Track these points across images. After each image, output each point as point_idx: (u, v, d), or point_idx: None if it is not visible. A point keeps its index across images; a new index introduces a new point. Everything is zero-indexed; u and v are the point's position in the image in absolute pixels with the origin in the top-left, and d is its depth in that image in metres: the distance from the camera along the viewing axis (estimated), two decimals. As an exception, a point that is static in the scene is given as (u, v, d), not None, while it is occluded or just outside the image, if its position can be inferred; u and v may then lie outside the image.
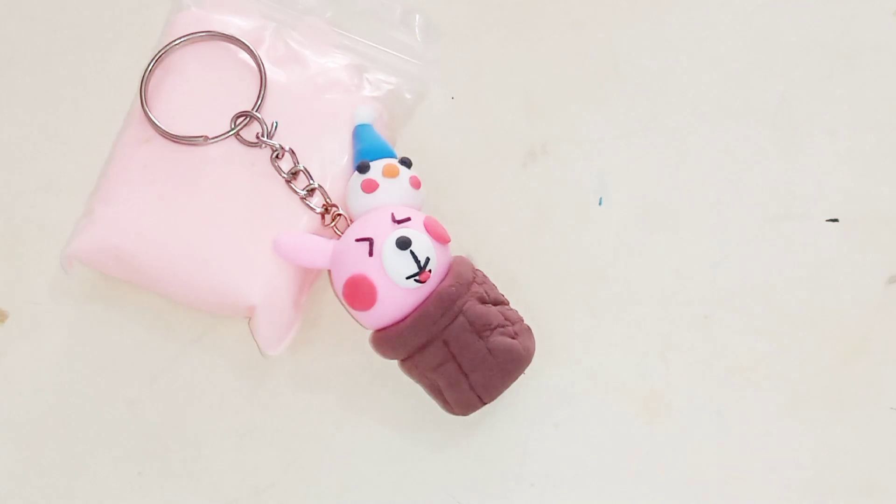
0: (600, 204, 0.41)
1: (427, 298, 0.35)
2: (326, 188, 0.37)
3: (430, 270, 0.34)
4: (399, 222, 0.35)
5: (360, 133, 0.38)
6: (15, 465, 0.38)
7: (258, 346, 0.38)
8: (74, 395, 0.39)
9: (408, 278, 0.34)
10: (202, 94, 0.39)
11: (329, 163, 0.38)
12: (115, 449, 0.38)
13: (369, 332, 0.37)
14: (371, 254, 0.35)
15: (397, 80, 0.40)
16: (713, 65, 0.43)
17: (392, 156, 0.37)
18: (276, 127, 0.38)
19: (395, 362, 0.37)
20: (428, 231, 0.35)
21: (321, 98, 0.39)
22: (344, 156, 0.38)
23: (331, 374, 0.39)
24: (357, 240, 0.35)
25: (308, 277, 0.38)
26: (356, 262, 0.35)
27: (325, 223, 0.37)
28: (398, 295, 0.35)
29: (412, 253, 0.34)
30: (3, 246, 0.40)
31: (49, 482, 0.38)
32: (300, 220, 0.37)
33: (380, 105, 0.39)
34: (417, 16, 0.40)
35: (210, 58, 0.39)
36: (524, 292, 0.38)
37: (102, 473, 0.38)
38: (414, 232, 0.35)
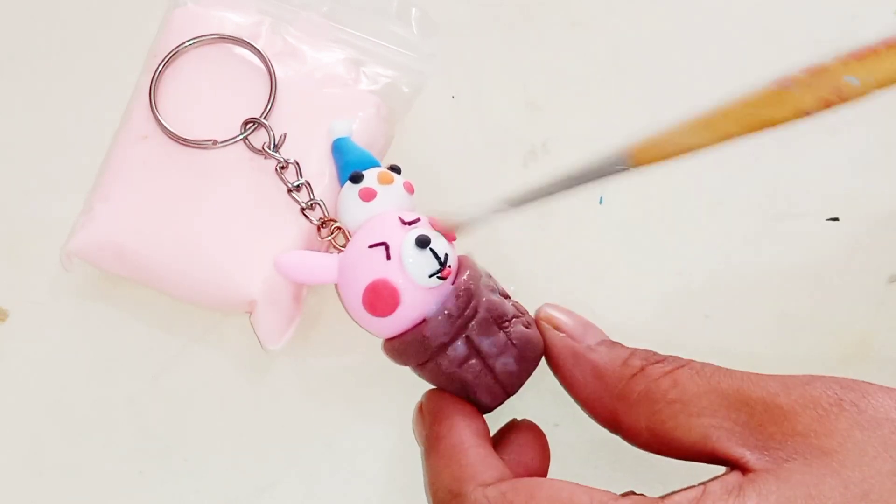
0: (600, 203, 0.41)
1: (449, 295, 0.35)
2: (324, 184, 0.37)
3: (450, 266, 0.34)
4: (409, 224, 0.35)
5: (342, 146, 0.37)
6: (15, 464, 0.38)
7: (259, 340, 0.38)
8: (75, 394, 0.39)
9: (430, 276, 0.34)
10: (203, 91, 0.39)
11: (327, 158, 0.38)
12: (116, 448, 0.38)
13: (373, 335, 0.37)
14: (389, 257, 0.34)
15: (394, 73, 0.40)
16: (713, 64, 0.43)
17: (378, 164, 0.37)
18: (284, 139, 0.38)
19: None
20: (437, 230, 0.35)
21: (319, 93, 0.39)
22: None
23: (331, 374, 0.39)
24: (370, 246, 0.35)
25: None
26: (374, 268, 0.34)
27: (322, 236, 0.37)
28: (419, 295, 0.34)
29: (432, 250, 0.34)
30: (3, 245, 0.40)
31: (49, 481, 0.38)
32: (300, 216, 0.37)
33: (377, 98, 0.39)
34: (414, 9, 0.40)
35: (210, 54, 0.39)
36: (524, 291, 0.38)
37: (103, 473, 0.38)
38: (429, 230, 0.35)
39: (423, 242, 0.34)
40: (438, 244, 0.34)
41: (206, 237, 0.37)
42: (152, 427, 0.38)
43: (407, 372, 0.37)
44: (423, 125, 0.41)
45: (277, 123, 0.38)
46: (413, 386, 0.37)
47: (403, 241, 0.34)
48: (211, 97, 0.39)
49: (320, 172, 0.38)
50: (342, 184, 0.37)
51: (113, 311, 0.39)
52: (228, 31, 0.39)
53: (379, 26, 0.40)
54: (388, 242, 0.34)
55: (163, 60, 0.38)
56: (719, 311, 0.40)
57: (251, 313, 0.37)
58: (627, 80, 0.42)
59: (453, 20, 0.42)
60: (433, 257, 0.34)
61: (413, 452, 0.38)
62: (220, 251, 0.37)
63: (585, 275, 0.40)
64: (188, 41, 0.39)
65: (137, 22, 0.42)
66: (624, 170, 0.30)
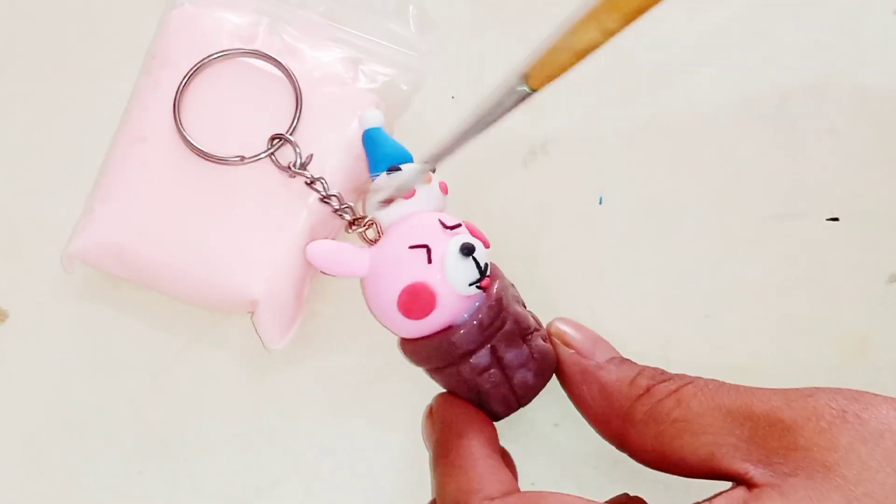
0: (601, 203, 0.41)
1: (481, 304, 0.34)
2: (325, 180, 0.37)
3: (489, 277, 0.34)
4: (451, 228, 0.35)
5: (375, 137, 0.37)
6: (16, 464, 0.38)
7: (262, 340, 0.38)
8: (75, 395, 0.39)
9: (469, 285, 0.34)
10: (210, 97, 0.39)
11: (326, 154, 0.38)
12: (116, 448, 0.38)
13: (376, 332, 0.36)
14: (430, 261, 0.34)
15: (393, 71, 0.40)
16: (713, 64, 0.43)
17: (412, 159, 0.37)
18: (311, 158, 0.37)
19: (403, 361, 0.37)
20: (475, 236, 0.35)
21: (318, 92, 0.39)
22: (341, 148, 0.38)
23: (332, 373, 0.39)
24: (411, 247, 0.34)
25: (310, 270, 0.38)
26: (414, 270, 0.34)
27: (351, 230, 0.37)
28: (455, 302, 0.34)
29: (475, 259, 0.34)
30: (3, 245, 0.40)
31: (50, 481, 0.38)
32: (301, 214, 0.37)
33: (376, 97, 0.39)
34: (411, 7, 0.40)
35: (218, 60, 0.39)
36: (525, 292, 0.38)
37: (103, 473, 0.38)
38: (470, 238, 0.34)
39: (468, 251, 0.34)
40: (480, 253, 0.34)
41: (208, 237, 0.37)
42: (152, 427, 0.38)
43: (408, 372, 0.37)
44: (422, 125, 0.41)
45: (278, 122, 0.38)
46: (414, 386, 0.37)
47: (447, 247, 0.34)
48: (219, 104, 0.38)
49: (319, 170, 0.37)
50: (374, 176, 0.37)
51: (113, 311, 0.39)
52: (226, 31, 0.39)
53: (377, 24, 0.40)
54: (431, 246, 0.34)
55: (188, 72, 0.38)
56: (719, 311, 0.40)
57: (253, 313, 0.37)
58: (627, 80, 0.42)
59: (453, 20, 0.42)
60: (475, 266, 0.34)
61: (413, 453, 0.38)
62: (222, 251, 0.37)
63: (585, 275, 0.40)
64: (216, 54, 0.38)
65: (136, 22, 0.42)
66: (528, 94, 0.30)
